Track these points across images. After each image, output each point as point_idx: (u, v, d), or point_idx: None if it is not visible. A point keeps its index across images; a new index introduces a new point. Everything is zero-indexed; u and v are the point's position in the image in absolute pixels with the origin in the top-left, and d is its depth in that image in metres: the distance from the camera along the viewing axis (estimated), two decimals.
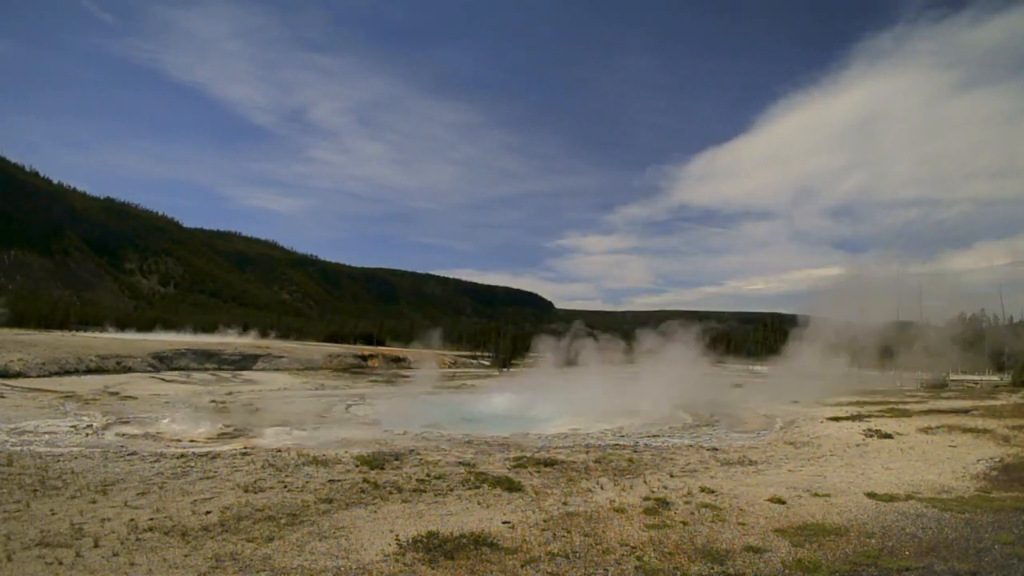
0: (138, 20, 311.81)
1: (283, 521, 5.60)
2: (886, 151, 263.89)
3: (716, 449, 10.64)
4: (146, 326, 61.88)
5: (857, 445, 10.74)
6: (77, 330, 51.76)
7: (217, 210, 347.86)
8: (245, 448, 9.93)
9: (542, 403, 19.75)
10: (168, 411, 14.83)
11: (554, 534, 5.33)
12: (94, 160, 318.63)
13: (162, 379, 24.42)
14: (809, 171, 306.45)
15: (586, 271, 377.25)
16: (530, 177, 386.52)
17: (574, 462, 9.07)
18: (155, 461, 8.47)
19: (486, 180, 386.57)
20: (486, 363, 49.62)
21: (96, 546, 4.77)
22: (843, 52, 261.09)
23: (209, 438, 11.14)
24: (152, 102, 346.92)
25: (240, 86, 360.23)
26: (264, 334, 61.95)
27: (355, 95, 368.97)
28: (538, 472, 8.28)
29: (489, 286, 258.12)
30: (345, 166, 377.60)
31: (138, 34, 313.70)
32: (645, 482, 7.69)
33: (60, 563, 4.38)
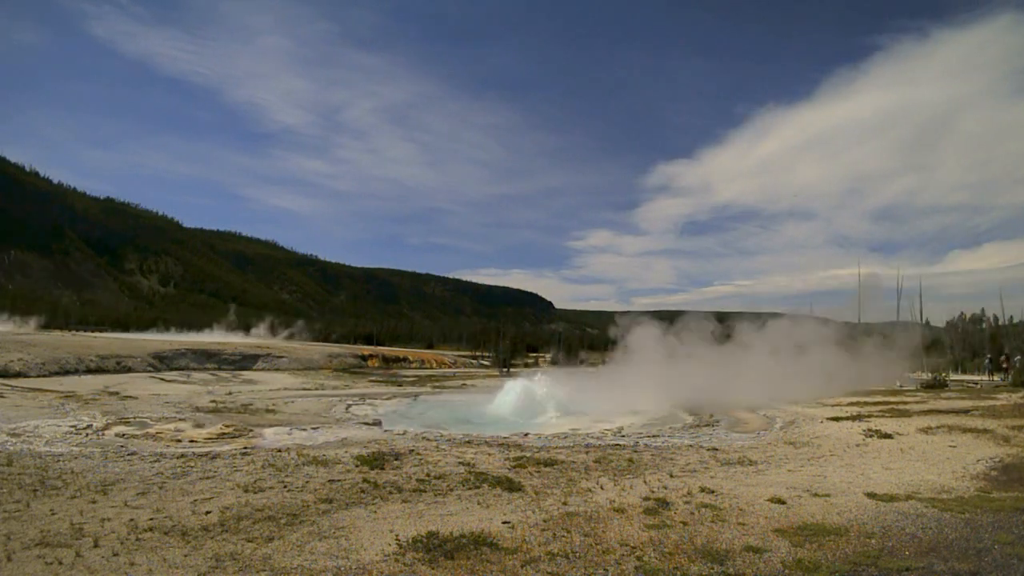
0: (178, 9, 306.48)
1: (283, 521, 5.60)
2: (941, 155, 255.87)
3: (716, 449, 10.64)
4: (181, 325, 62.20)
5: (857, 445, 10.74)
6: (77, 330, 51.79)
7: (242, 211, 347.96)
8: (245, 448, 9.93)
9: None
10: (168, 411, 14.83)
11: (554, 534, 5.33)
12: (117, 159, 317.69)
13: (162, 379, 24.42)
14: (860, 172, 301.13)
15: (613, 272, 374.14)
16: (565, 178, 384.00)
17: (574, 462, 9.07)
18: (155, 461, 8.46)
19: (516, 182, 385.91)
20: (486, 363, 49.65)
21: (96, 546, 4.77)
22: (924, 51, 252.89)
23: (209, 438, 11.13)
24: (179, 98, 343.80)
25: (275, 83, 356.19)
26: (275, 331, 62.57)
27: (393, 95, 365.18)
28: (538, 472, 8.28)
29: (489, 286, 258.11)
30: (372, 167, 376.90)
31: (174, 25, 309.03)
32: (645, 482, 7.69)
33: (60, 563, 4.37)
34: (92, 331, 52.13)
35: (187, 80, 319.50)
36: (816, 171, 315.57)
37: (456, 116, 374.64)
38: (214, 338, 47.84)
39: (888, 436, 11.36)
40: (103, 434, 11.11)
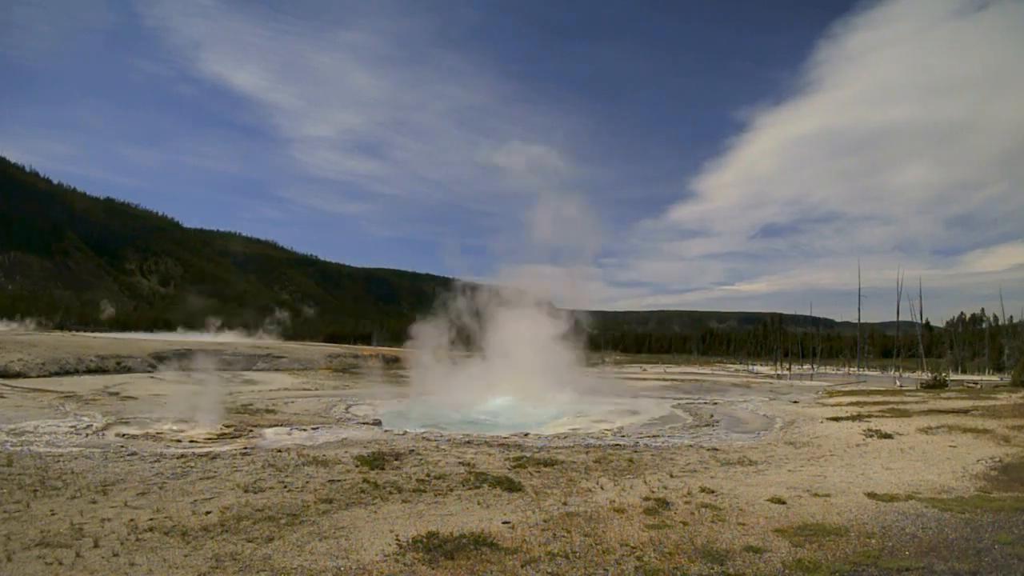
0: None
1: (283, 521, 5.60)
2: None
3: (716, 449, 10.64)
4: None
5: (857, 445, 10.74)
6: (77, 330, 51.81)
7: (278, 212, 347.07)
8: (245, 448, 9.93)
9: None
10: (168, 411, 14.82)
11: (554, 534, 5.33)
12: (157, 156, 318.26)
13: (162, 379, 24.42)
14: (955, 178, 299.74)
15: (669, 275, 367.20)
16: (628, 184, 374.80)
17: (574, 462, 9.07)
18: (155, 461, 8.46)
19: (573, 189, 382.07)
20: None
21: (96, 546, 4.77)
22: None
23: (209, 438, 11.13)
24: (228, 95, 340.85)
25: (343, 81, 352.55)
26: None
27: (468, 97, 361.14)
28: (538, 472, 8.28)
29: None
30: (424, 169, 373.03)
31: (244, 9, 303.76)
32: (645, 482, 7.69)
33: (60, 563, 4.37)
34: (92, 331, 52.14)
35: (236, 76, 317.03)
36: (916, 174, 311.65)
37: (523, 120, 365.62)
38: (202, 338, 47.80)
39: (888, 436, 11.36)
40: (103, 434, 11.11)
